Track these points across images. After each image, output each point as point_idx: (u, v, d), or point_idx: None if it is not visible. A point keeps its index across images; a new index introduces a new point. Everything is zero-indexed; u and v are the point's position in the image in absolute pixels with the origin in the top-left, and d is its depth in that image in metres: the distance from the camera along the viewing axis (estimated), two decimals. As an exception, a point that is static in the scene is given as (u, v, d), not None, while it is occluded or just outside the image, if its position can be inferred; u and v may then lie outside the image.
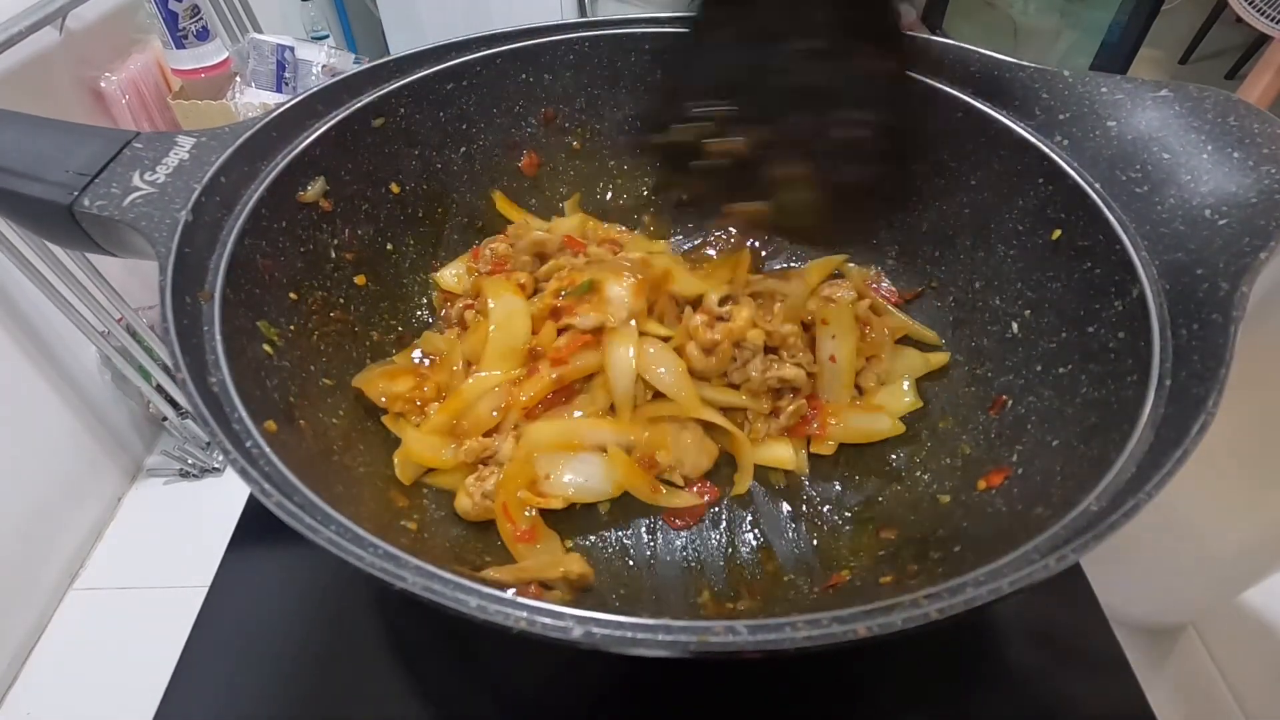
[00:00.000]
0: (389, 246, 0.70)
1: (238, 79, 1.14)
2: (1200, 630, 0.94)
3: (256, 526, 0.67)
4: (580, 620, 0.32)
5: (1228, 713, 0.86)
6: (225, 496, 1.34)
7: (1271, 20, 2.03)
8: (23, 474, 1.12)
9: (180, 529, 1.30)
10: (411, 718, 0.55)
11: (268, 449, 0.42)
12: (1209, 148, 0.51)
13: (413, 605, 0.61)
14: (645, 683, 0.57)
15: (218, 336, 0.47)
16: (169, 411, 1.25)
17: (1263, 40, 2.25)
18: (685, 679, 0.56)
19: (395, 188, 0.70)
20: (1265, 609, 0.95)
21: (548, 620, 0.32)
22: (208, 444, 1.32)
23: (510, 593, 0.34)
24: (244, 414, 0.43)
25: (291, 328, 0.57)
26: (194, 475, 1.33)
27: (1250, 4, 2.06)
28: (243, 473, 0.38)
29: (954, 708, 0.55)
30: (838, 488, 0.61)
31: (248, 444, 0.42)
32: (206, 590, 0.63)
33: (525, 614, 0.32)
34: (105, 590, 1.27)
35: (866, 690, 0.56)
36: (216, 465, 1.31)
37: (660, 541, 0.59)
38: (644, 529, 0.60)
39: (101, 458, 1.28)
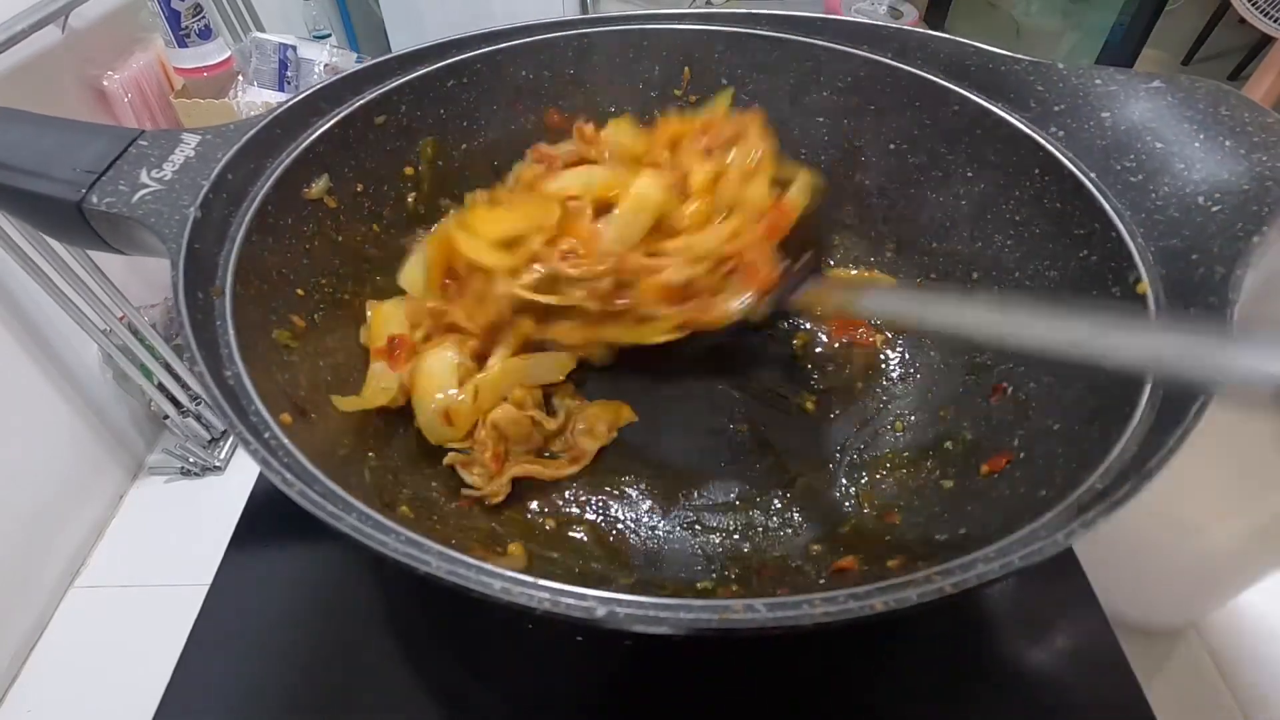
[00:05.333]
0: (392, 244, 0.71)
1: (240, 78, 1.15)
2: (1200, 630, 0.95)
3: (258, 525, 0.68)
4: (604, 600, 0.33)
5: (1228, 713, 0.87)
6: (226, 495, 1.34)
7: (1275, 21, 2.03)
8: (24, 472, 1.12)
9: (182, 527, 1.31)
10: (413, 714, 0.56)
11: (286, 440, 0.42)
12: (1201, 137, 0.52)
13: (415, 602, 0.62)
14: (646, 678, 0.58)
15: (230, 331, 0.48)
16: (170, 410, 1.26)
17: (1266, 41, 2.25)
18: (686, 674, 0.57)
19: (410, 170, 0.71)
20: (1265, 609, 0.95)
21: (571, 601, 0.33)
22: (209, 442, 1.32)
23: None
24: (260, 406, 0.44)
25: (301, 323, 0.58)
26: (195, 474, 1.33)
27: (1253, 5, 2.07)
28: (264, 463, 0.39)
29: (953, 708, 0.56)
30: (839, 476, 0.62)
31: (266, 435, 0.42)
32: (208, 588, 0.63)
33: (548, 595, 0.33)
34: (106, 588, 1.27)
35: (866, 690, 0.57)
36: (218, 464, 1.31)
37: (664, 531, 0.60)
38: (645, 510, 0.61)
39: (103, 456, 1.28)
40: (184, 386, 1.25)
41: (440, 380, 0.61)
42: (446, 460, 0.60)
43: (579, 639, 0.59)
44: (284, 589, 0.64)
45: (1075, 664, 0.58)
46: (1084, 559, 0.63)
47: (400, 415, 0.62)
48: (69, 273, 0.98)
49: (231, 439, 1.19)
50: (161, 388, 1.24)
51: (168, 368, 1.21)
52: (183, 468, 1.32)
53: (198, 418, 1.28)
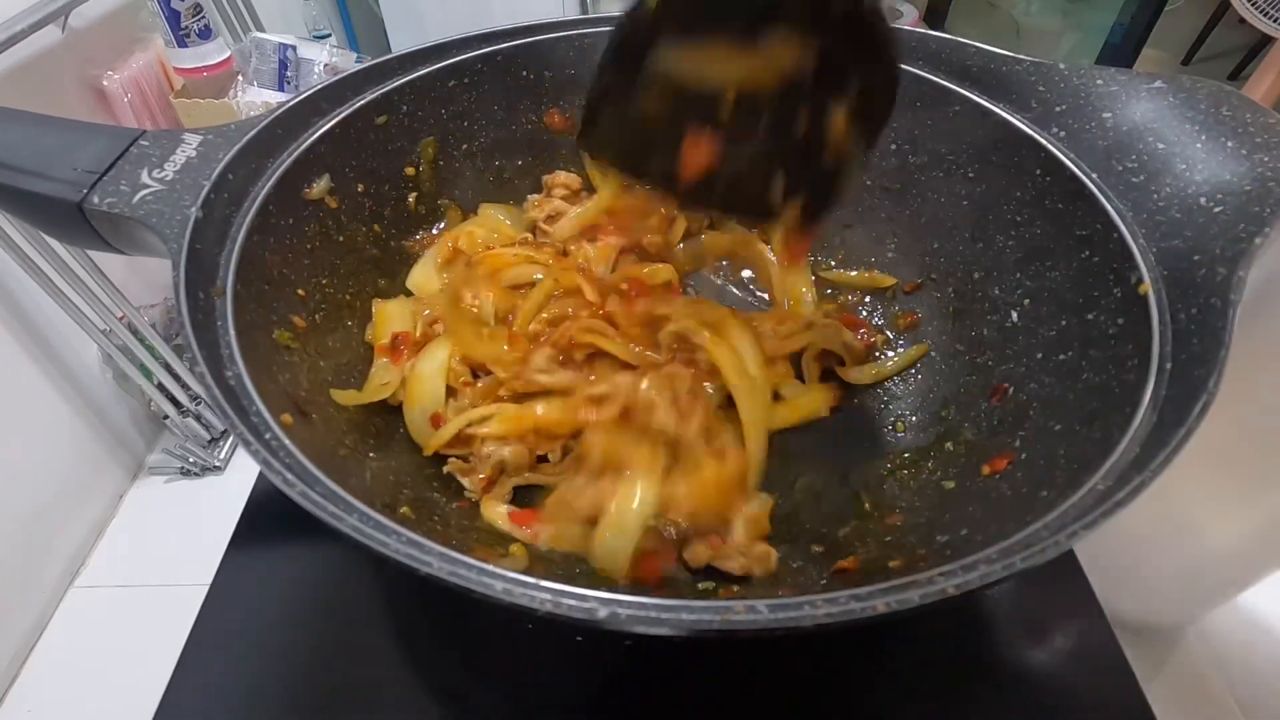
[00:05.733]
0: (394, 245, 0.71)
1: (240, 78, 1.14)
2: (1200, 630, 0.94)
3: (257, 525, 0.68)
4: (605, 602, 0.32)
5: (1228, 713, 0.86)
6: (226, 495, 1.34)
7: (1274, 21, 2.03)
8: (24, 472, 1.12)
9: (181, 527, 1.31)
10: (413, 714, 0.56)
11: (287, 441, 0.42)
12: (1203, 137, 0.52)
13: (415, 601, 0.62)
14: (646, 678, 0.58)
15: (231, 331, 0.48)
16: (170, 410, 1.26)
17: (1265, 41, 2.26)
18: (686, 674, 0.57)
19: (411, 170, 0.71)
20: (1265, 609, 0.95)
21: (573, 602, 0.33)
22: (209, 442, 1.32)
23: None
24: (261, 407, 0.44)
25: (302, 324, 0.58)
26: (195, 474, 1.33)
27: (1253, 5, 2.07)
28: (265, 464, 0.39)
29: (953, 708, 0.56)
30: (840, 476, 0.62)
31: (267, 436, 0.42)
32: (207, 588, 0.63)
33: (550, 596, 0.33)
34: (106, 588, 1.27)
35: (866, 690, 0.57)
36: (217, 464, 1.31)
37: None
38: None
39: (103, 456, 1.28)
40: (184, 386, 1.25)
41: (430, 383, 0.62)
42: (447, 468, 0.60)
43: (579, 639, 0.59)
44: (284, 589, 0.64)
45: (1075, 664, 0.58)
46: (1084, 559, 0.63)
47: (400, 414, 0.62)
48: (69, 273, 0.98)
49: (231, 439, 1.19)
50: (161, 388, 1.23)
51: (167, 368, 1.21)
52: (182, 468, 1.32)
53: (197, 418, 1.28)
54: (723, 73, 0.49)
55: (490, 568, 0.34)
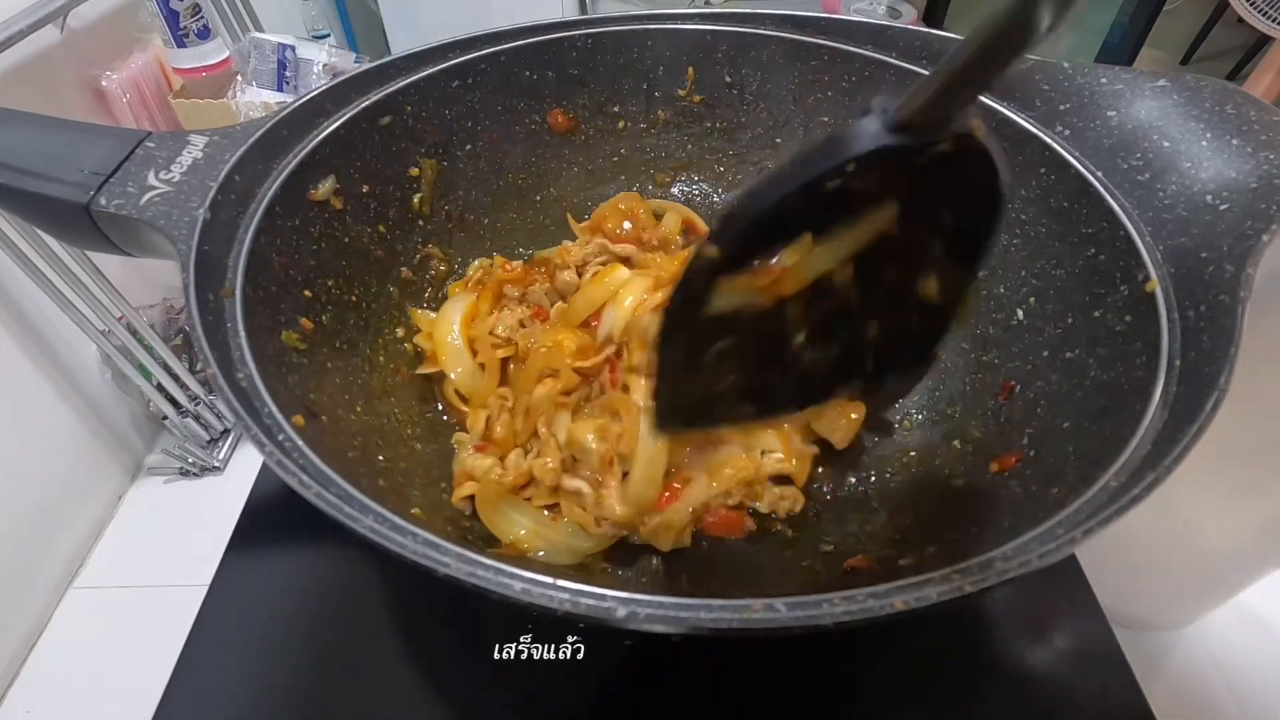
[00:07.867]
0: (398, 246, 0.71)
1: (239, 78, 1.13)
2: (1200, 630, 0.95)
3: (257, 525, 0.68)
4: (624, 601, 0.33)
5: (1227, 713, 0.87)
6: (226, 495, 1.34)
7: (1273, 21, 2.04)
8: (23, 472, 1.11)
9: (181, 528, 1.30)
10: (413, 712, 0.56)
11: (300, 442, 0.42)
12: (1208, 135, 0.52)
13: (414, 599, 0.62)
14: (648, 680, 0.58)
15: (241, 333, 0.47)
16: (169, 410, 1.25)
17: (1264, 41, 2.27)
18: (685, 674, 0.58)
19: (415, 171, 0.71)
20: (1265, 609, 0.95)
21: (592, 602, 0.33)
22: (208, 442, 1.32)
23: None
24: (273, 408, 0.44)
25: (309, 325, 0.58)
26: (194, 474, 1.32)
27: (1251, 4, 2.08)
28: (279, 465, 0.39)
29: (953, 708, 0.56)
30: (848, 474, 0.62)
31: (280, 438, 0.42)
32: (207, 589, 0.63)
33: (568, 596, 0.33)
34: (105, 589, 1.26)
35: (865, 690, 0.58)
36: (217, 464, 1.31)
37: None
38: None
39: (102, 456, 1.27)
40: (183, 387, 1.24)
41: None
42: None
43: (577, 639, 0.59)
44: (283, 589, 0.64)
45: (1075, 664, 0.58)
46: (1083, 559, 0.63)
47: (407, 417, 0.62)
48: (67, 273, 0.98)
49: (231, 439, 1.19)
50: (160, 388, 1.23)
51: (166, 368, 1.21)
52: (181, 468, 1.32)
53: (196, 418, 1.27)
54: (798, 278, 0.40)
55: (508, 568, 0.34)
